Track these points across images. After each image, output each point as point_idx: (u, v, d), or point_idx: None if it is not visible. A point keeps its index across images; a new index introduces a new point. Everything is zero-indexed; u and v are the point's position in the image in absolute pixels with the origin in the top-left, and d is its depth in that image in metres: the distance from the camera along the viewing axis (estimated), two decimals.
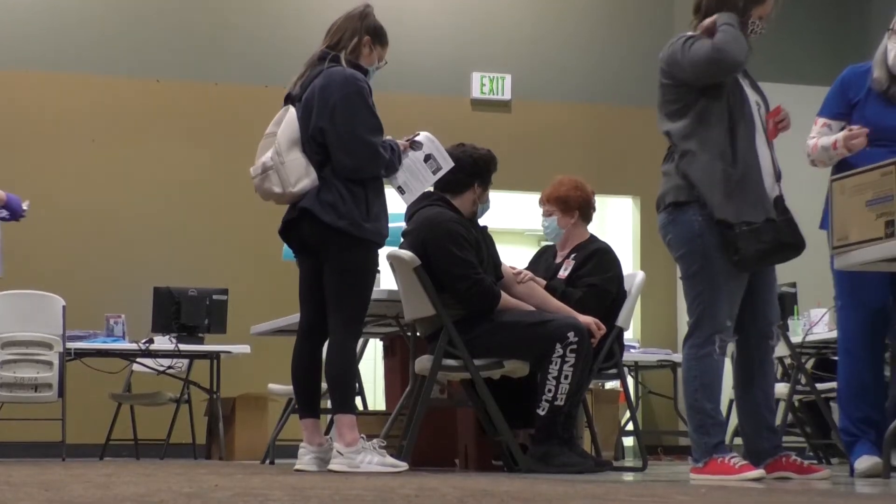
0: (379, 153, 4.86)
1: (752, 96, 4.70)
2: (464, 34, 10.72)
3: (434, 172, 5.13)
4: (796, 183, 9.62)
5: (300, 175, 4.88)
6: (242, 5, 10.40)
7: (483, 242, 5.43)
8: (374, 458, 4.72)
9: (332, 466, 4.75)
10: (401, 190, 5.09)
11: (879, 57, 4.86)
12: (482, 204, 5.50)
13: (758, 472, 4.35)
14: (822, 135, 4.93)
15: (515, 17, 10.92)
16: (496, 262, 5.50)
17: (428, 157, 5.12)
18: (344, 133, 4.85)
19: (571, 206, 5.86)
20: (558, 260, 5.90)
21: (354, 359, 5.01)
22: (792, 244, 4.55)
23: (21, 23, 9.92)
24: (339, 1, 11.14)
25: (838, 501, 3.06)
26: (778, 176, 4.77)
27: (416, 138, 5.13)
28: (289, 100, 5.07)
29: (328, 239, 4.86)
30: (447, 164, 5.16)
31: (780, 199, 4.67)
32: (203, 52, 10.24)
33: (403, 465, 4.81)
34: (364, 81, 4.93)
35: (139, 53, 10.10)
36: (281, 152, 4.90)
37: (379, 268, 5.33)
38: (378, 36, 5.05)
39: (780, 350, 7.59)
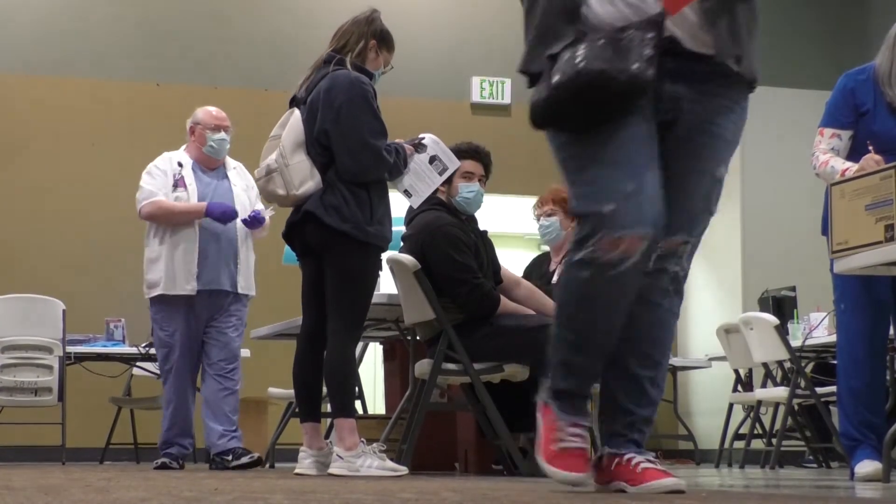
0: (382, 157, 4.85)
1: None
2: (464, 38, 10.73)
3: (440, 173, 5.13)
4: (797, 187, 9.67)
5: (304, 177, 4.87)
6: (243, 9, 10.41)
7: (482, 247, 5.43)
8: (373, 462, 4.71)
9: (331, 470, 4.75)
10: (407, 193, 5.09)
11: (885, 77, 4.80)
12: (454, 197, 5.44)
13: (569, 476, 3.00)
14: (831, 146, 4.85)
15: (515, 22, 10.87)
16: (495, 267, 5.51)
17: (433, 159, 5.12)
18: (348, 136, 4.83)
19: None
20: (552, 267, 5.91)
21: (354, 363, 4.99)
22: (607, 75, 2.91)
23: (21, 27, 9.93)
24: (340, 5, 11.14)
25: None
26: None
27: (422, 141, 5.13)
28: (294, 103, 5.07)
29: (331, 242, 4.84)
30: (453, 164, 5.17)
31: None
32: (203, 56, 10.24)
33: (403, 469, 4.81)
34: (369, 85, 4.92)
35: (139, 57, 10.11)
36: (285, 154, 4.90)
37: (380, 271, 5.32)
38: (384, 40, 5.05)
39: (780, 354, 7.61)
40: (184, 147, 6.68)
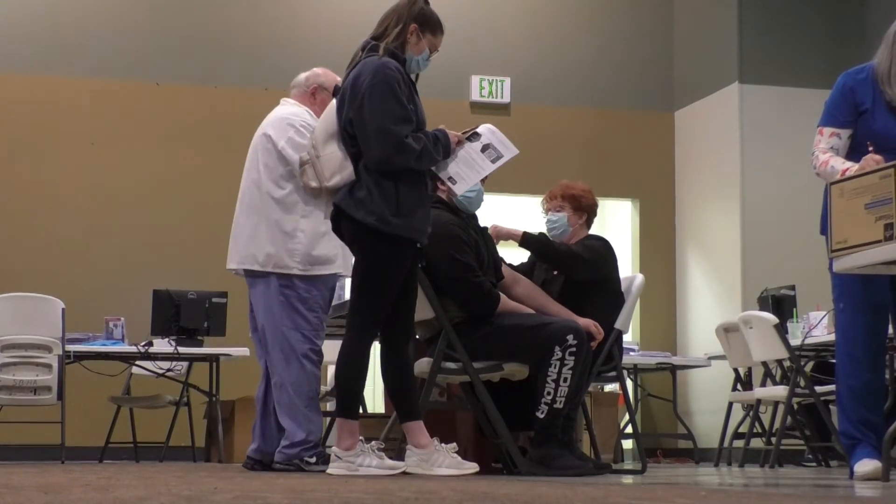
0: (405, 144, 4.69)
1: None
2: (463, 37, 10.72)
3: (493, 161, 5.06)
4: (796, 186, 9.67)
5: (334, 169, 4.77)
6: (242, 8, 10.40)
7: (483, 244, 5.42)
8: (372, 461, 4.71)
9: (330, 470, 4.74)
10: (451, 180, 5.01)
11: (884, 76, 4.80)
12: (455, 196, 5.41)
13: None
14: (831, 145, 4.84)
15: (515, 21, 10.93)
16: (496, 264, 5.50)
17: (486, 147, 5.05)
18: (368, 123, 4.71)
19: (583, 206, 5.87)
20: None
21: (364, 362, 4.85)
22: None
23: (21, 27, 9.93)
24: (338, 4, 11.09)
25: None
26: None
27: (476, 130, 5.04)
28: (335, 93, 4.97)
29: (359, 235, 4.76)
30: (509, 152, 5.06)
31: None
32: (202, 56, 10.24)
33: (402, 465, 4.79)
34: (396, 70, 4.77)
35: (138, 57, 10.11)
36: (317, 146, 4.82)
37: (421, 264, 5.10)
38: (427, 23, 4.89)
39: (779, 353, 7.61)
40: (295, 105, 5.78)
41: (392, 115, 4.71)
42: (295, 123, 5.58)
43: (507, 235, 5.65)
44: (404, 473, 4.73)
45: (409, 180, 4.76)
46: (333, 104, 4.90)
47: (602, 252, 5.67)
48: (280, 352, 5.52)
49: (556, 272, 5.78)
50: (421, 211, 4.79)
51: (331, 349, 6.74)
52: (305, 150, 5.34)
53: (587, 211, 5.89)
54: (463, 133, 4.99)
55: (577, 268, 5.57)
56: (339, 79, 5.67)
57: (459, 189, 5.04)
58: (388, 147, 4.69)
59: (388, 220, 4.68)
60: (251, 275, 5.66)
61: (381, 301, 4.78)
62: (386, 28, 4.88)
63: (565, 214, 5.85)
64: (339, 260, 5.57)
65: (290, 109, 5.70)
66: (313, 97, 5.74)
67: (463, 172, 4.99)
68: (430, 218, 4.88)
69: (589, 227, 5.94)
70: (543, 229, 5.88)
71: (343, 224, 4.83)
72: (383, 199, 4.69)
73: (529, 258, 6.00)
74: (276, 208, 5.53)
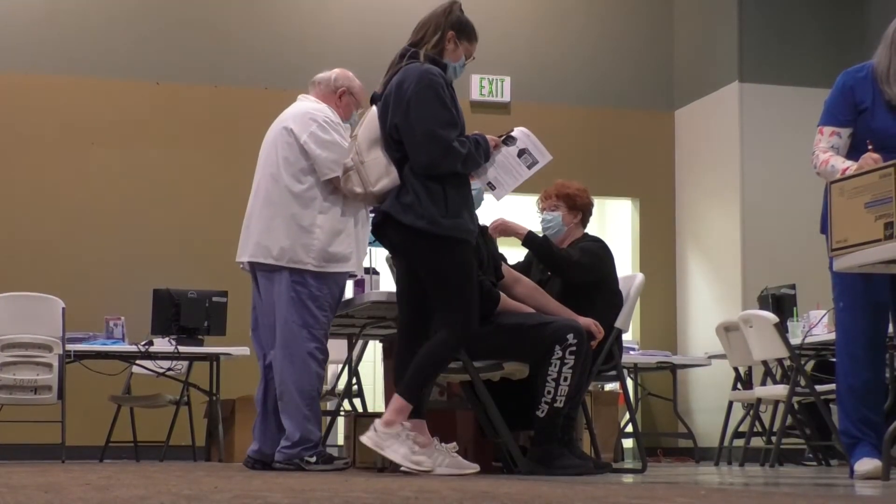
0: (452, 148, 4.76)
1: None
2: None
3: (529, 167, 5.08)
4: (796, 185, 9.67)
5: (380, 174, 4.83)
6: (242, 7, 10.41)
7: (483, 243, 5.42)
8: (401, 448, 4.71)
9: (361, 437, 4.78)
10: (491, 186, 5.04)
11: (883, 75, 4.80)
12: None
13: None
14: (831, 145, 4.84)
15: (515, 20, 10.93)
16: (497, 263, 5.50)
17: (522, 152, 5.08)
18: (416, 128, 4.77)
19: (577, 205, 5.88)
20: None
21: (444, 356, 4.88)
22: None
23: (21, 26, 9.93)
24: (338, 3, 11.08)
25: (838, 503, 3.06)
26: None
27: (511, 133, 5.09)
28: (373, 100, 5.02)
29: (411, 240, 4.80)
30: (544, 158, 5.13)
31: None
32: (203, 55, 10.25)
33: (429, 465, 4.77)
34: (439, 76, 4.85)
35: (139, 56, 10.11)
36: (361, 152, 4.87)
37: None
38: (463, 31, 5.00)
39: (780, 352, 7.61)
40: (315, 101, 5.75)
41: (439, 120, 4.77)
42: (318, 119, 5.56)
43: (513, 232, 5.67)
44: (404, 473, 4.73)
45: (454, 183, 4.82)
46: (374, 110, 4.95)
47: (599, 254, 5.69)
48: (286, 349, 5.49)
49: (550, 273, 5.79)
50: (466, 212, 4.85)
51: (332, 349, 6.74)
52: (328, 145, 5.46)
53: (582, 210, 5.90)
54: (499, 136, 5.03)
55: (574, 273, 5.59)
56: (360, 84, 5.77)
57: (499, 195, 5.09)
58: (436, 151, 4.75)
59: (439, 222, 4.74)
60: (262, 268, 5.64)
61: (461, 300, 4.81)
62: (424, 35, 4.96)
63: (560, 214, 5.85)
64: (354, 259, 5.56)
65: (312, 105, 5.70)
66: (339, 99, 5.74)
67: (502, 178, 5.05)
68: (475, 218, 4.95)
69: (584, 226, 5.94)
70: (538, 229, 5.88)
71: (389, 229, 4.86)
72: (432, 202, 4.75)
73: (526, 257, 6.00)
74: (294, 202, 5.50)
